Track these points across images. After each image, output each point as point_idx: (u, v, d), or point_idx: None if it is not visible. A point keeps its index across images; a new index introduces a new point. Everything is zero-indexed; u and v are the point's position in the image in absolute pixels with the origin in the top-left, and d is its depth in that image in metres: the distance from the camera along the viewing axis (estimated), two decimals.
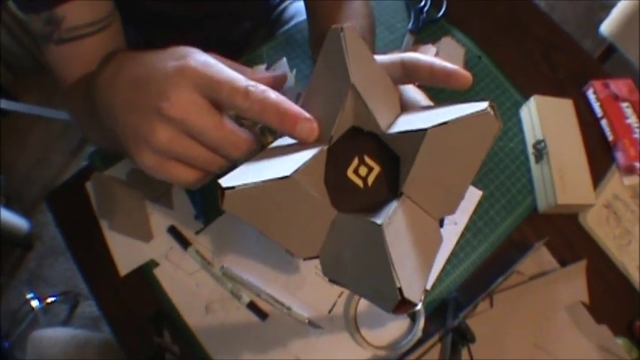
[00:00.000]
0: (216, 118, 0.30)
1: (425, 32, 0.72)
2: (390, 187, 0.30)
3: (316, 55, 0.53)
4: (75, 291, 1.36)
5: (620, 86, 0.69)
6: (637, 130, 0.66)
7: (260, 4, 0.80)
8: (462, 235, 0.59)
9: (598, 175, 0.64)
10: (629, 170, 0.64)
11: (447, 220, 0.59)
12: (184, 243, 0.55)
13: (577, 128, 0.65)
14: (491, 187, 0.62)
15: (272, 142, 0.34)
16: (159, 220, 0.57)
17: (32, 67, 1.66)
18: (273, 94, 0.29)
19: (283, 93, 0.31)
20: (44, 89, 1.63)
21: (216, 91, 0.29)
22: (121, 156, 0.58)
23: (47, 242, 1.46)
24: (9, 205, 1.44)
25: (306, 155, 0.28)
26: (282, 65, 0.65)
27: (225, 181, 0.27)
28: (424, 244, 0.29)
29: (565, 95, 0.68)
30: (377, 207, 0.29)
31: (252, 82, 0.29)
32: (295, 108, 0.29)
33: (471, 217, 0.60)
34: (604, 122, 0.68)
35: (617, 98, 0.68)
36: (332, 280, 0.30)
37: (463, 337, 0.50)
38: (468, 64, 0.70)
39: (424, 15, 0.72)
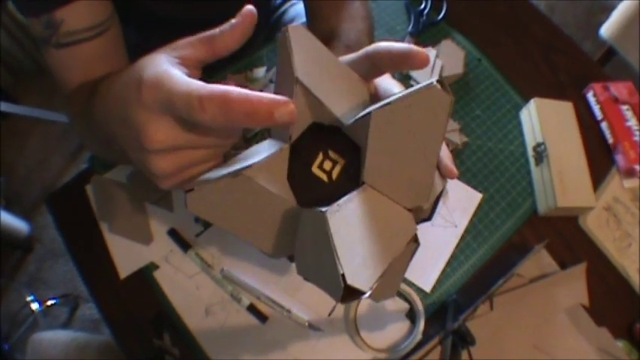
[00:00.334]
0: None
1: (425, 35, 0.72)
2: (353, 179, 0.30)
3: None
4: (75, 293, 1.36)
5: (620, 89, 0.69)
6: (637, 132, 0.66)
7: (260, 7, 0.80)
8: (462, 237, 0.59)
9: (598, 177, 0.64)
10: (629, 173, 0.64)
11: (447, 222, 0.59)
12: (184, 246, 0.55)
13: (577, 131, 0.65)
14: (491, 189, 0.62)
15: None
16: (159, 222, 0.57)
17: (32, 69, 1.66)
18: (234, 93, 0.24)
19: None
20: (44, 92, 1.63)
21: (175, 110, 0.26)
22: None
23: (47, 245, 1.45)
24: (9, 208, 1.44)
25: (264, 154, 0.28)
26: None
27: (189, 185, 0.27)
28: (387, 232, 0.28)
29: (565, 98, 0.68)
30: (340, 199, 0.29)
31: (207, 87, 0.25)
32: (266, 97, 0.25)
33: (471, 219, 0.60)
34: (604, 125, 0.68)
35: (617, 101, 0.68)
36: (306, 279, 0.30)
37: (463, 339, 0.50)
38: (467, 67, 0.70)
39: (424, 17, 0.73)
